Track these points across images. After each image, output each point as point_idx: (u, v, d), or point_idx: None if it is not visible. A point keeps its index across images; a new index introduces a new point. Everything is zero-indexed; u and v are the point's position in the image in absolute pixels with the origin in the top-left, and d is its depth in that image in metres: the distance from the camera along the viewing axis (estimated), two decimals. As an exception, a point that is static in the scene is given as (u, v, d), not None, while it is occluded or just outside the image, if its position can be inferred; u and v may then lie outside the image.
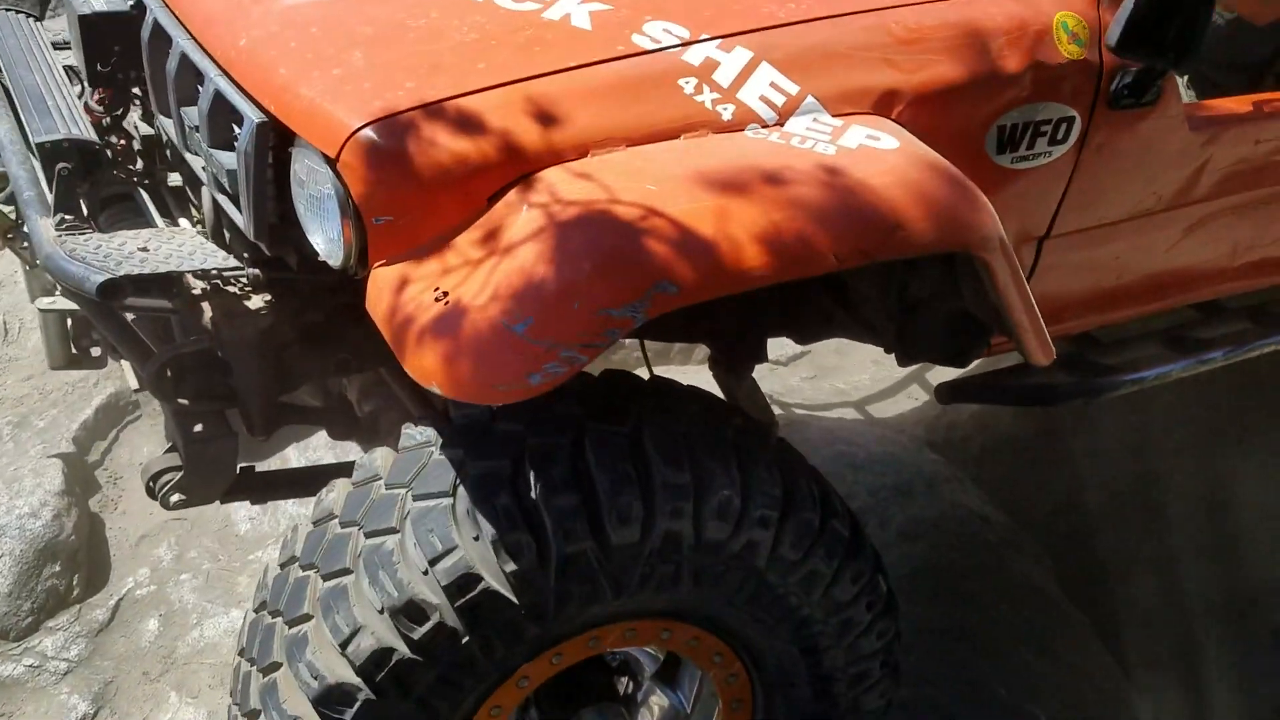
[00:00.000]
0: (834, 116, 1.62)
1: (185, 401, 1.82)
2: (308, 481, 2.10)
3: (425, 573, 1.45)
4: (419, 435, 1.60)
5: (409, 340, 1.36)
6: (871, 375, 4.20)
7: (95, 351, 2.25)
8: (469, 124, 1.45)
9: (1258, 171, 2.21)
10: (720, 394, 2.12)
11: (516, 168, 1.46)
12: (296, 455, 3.34)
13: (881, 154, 1.55)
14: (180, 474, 1.88)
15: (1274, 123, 2.17)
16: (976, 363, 2.12)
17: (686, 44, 1.60)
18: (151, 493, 1.92)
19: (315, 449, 3.37)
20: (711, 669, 1.81)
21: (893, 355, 2.08)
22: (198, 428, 1.83)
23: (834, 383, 4.24)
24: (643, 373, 1.85)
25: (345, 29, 1.64)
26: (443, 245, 1.44)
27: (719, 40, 1.62)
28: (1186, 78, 2.42)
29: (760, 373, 3.75)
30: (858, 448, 3.39)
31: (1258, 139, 2.15)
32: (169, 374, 1.80)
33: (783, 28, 1.66)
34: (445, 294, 1.38)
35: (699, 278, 1.35)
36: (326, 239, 1.51)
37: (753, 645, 1.77)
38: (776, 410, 3.64)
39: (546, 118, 1.48)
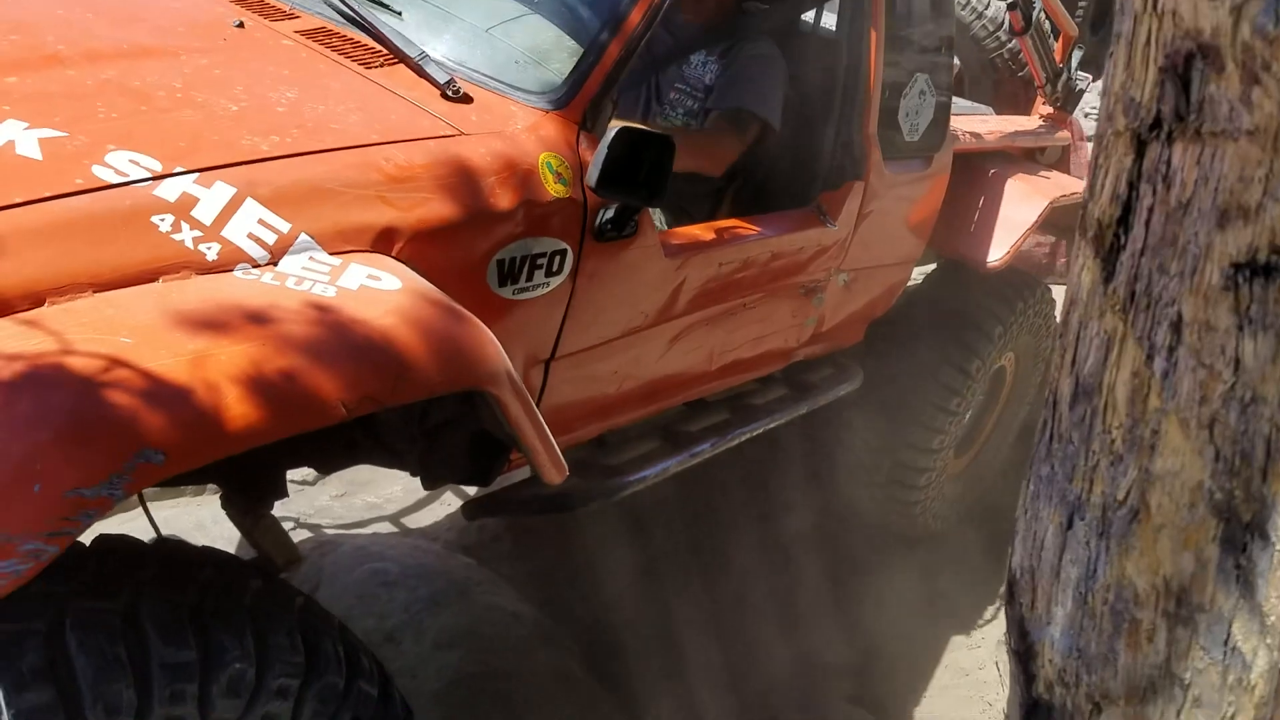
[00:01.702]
0: (331, 254, 1.57)
1: None
2: None
3: None
4: None
5: None
6: (404, 486, 4.14)
7: None
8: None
9: (722, 288, 2.51)
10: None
11: None
12: None
13: (384, 295, 1.52)
14: None
15: (731, 247, 2.49)
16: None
17: (158, 177, 1.47)
18: None
19: None
20: None
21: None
22: None
23: (365, 498, 4.11)
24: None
25: None
26: None
27: (196, 174, 1.50)
28: (658, 211, 2.70)
29: (289, 491, 3.54)
30: (390, 563, 3.31)
31: (720, 261, 2.44)
32: None
33: (266, 162, 1.58)
34: None
35: (189, 442, 1.21)
36: None
37: None
38: (305, 534, 3.43)
39: None
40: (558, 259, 1.95)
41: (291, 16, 2.12)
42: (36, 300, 1.29)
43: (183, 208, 1.45)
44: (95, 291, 1.33)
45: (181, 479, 2.20)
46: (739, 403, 2.96)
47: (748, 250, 2.53)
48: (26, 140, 1.43)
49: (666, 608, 3.69)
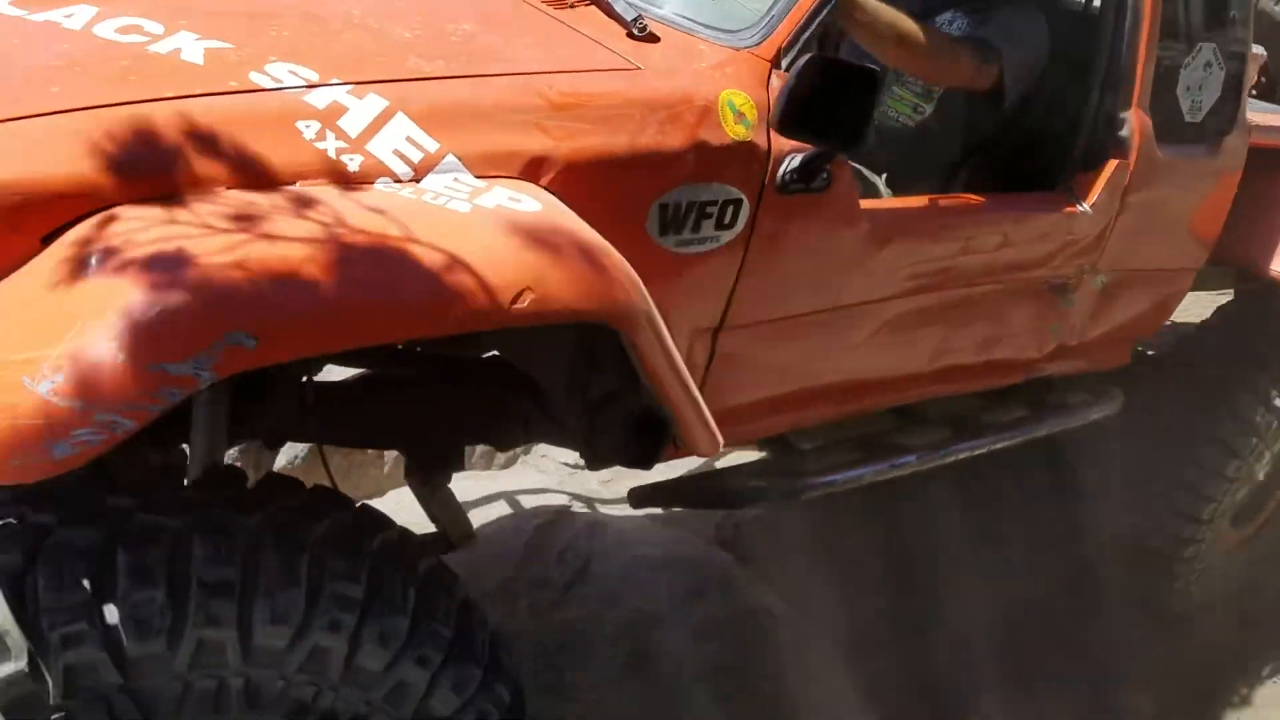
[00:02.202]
0: (477, 177, 1.53)
1: None
2: None
3: None
4: None
5: None
6: (663, 475, 4.14)
7: None
8: (24, 149, 1.26)
9: (942, 273, 2.26)
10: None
11: (83, 203, 1.27)
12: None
13: (519, 214, 1.46)
14: None
15: (953, 222, 2.24)
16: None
17: (312, 86, 1.48)
18: None
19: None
20: None
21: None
22: None
23: (630, 484, 4.17)
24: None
25: None
26: None
27: (350, 86, 1.50)
28: (885, 177, 2.48)
29: (562, 475, 3.63)
30: (655, 548, 3.33)
31: (939, 238, 2.20)
32: None
33: (423, 81, 1.56)
34: None
35: (283, 330, 1.19)
36: None
37: None
38: (580, 509, 3.47)
39: (128, 150, 1.31)
40: (730, 210, 1.81)
41: None
42: (169, 190, 1.32)
43: (330, 116, 1.45)
44: (229, 189, 1.35)
45: (367, 439, 2.27)
46: (964, 421, 2.65)
47: (977, 229, 2.27)
48: (193, 48, 1.48)
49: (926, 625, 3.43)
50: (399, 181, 1.46)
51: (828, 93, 1.70)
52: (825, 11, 1.89)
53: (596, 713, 2.62)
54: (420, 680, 1.48)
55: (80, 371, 1.11)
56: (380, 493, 3.38)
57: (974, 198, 2.34)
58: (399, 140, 1.48)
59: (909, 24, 2.09)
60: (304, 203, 1.35)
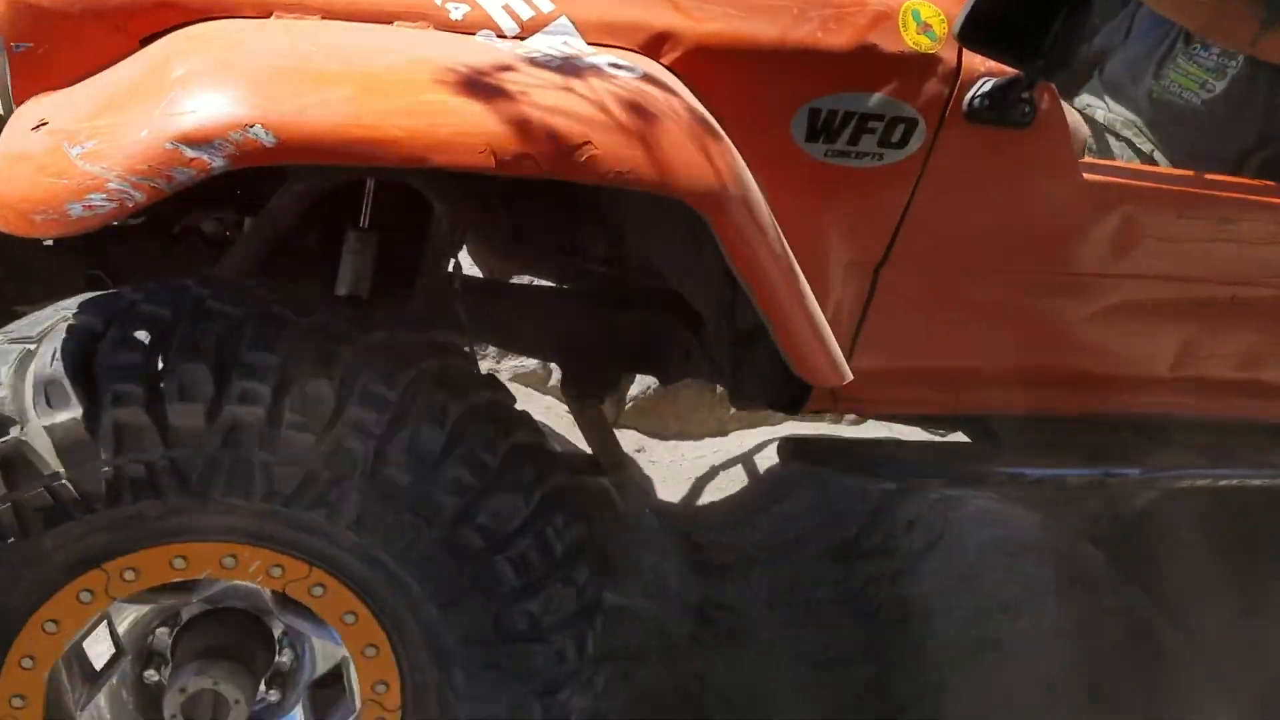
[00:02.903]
0: (589, 44, 1.42)
1: None
2: None
3: None
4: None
5: None
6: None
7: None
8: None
9: (1190, 261, 1.86)
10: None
11: (180, 13, 1.31)
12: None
13: (612, 78, 1.34)
14: None
15: (1212, 199, 1.84)
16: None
17: None
18: None
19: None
20: (343, 632, 1.46)
21: None
22: None
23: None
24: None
25: None
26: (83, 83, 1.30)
27: None
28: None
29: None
30: (1014, 532, 3.08)
31: (1189, 215, 1.81)
32: None
33: None
34: (44, 123, 1.22)
35: (306, 134, 1.15)
36: None
37: (387, 601, 1.42)
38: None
39: None
40: (900, 129, 1.57)
41: None
42: (264, 10, 1.32)
43: None
44: (323, 18, 1.34)
45: (527, 344, 2.22)
46: (1227, 450, 2.18)
47: (1246, 215, 1.85)
48: None
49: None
50: (502, 37, 1.39)
51: (1033, 9, 1.45)
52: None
53: (937, 694, 2.42)
54: (451, 503, 1.35)
55: (108, 140, 1.14)
56: (723, 432, 3.38)
57: (1259, 183, 1.91)
58: None
59: None
60: (378, 34, 1.31)
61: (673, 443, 3.37)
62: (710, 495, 3.05)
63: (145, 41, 1.31)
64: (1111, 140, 2.18)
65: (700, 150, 1.31)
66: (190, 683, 1.45)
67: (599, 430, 2.12)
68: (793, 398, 1.78)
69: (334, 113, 1.16)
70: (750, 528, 2.94)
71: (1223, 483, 2.12)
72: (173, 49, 1.26)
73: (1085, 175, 1.71)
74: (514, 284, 2.20)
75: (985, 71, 1.58)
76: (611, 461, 2.15)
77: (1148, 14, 2.25)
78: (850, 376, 1.55)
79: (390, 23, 1.36)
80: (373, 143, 1.17)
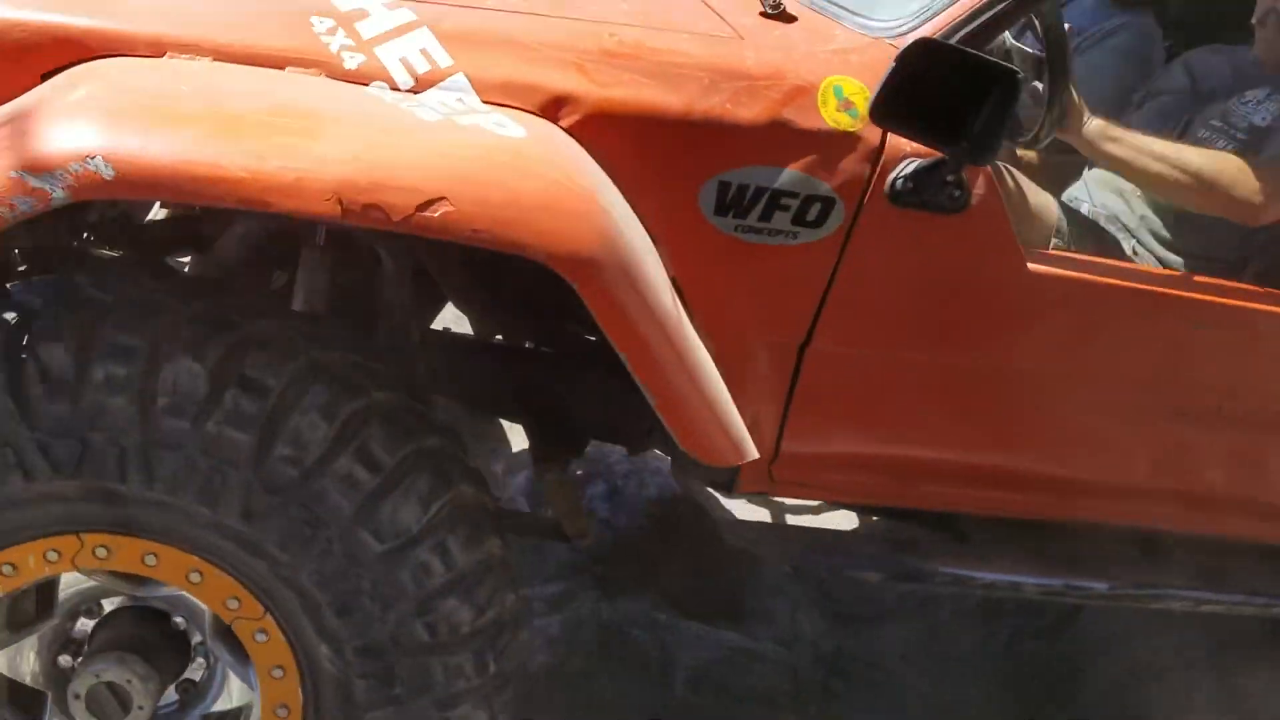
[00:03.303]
0: (484, 102, 1.41)
1: None
2: None
3: None
4: None
5: None
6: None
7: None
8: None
9: (1169, 366, 1.75)
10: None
11: (78, 49, 1.34)
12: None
13: (489, 136, 1.32)
14: None
15: (1192, 308, 1.72)
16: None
17: None
18: None
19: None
20: (231, 619, 1.44)
21: None
22: None
23: None
24: None
25: None
26: None
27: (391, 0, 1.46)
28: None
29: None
30: None
31: (1157, 317, 1.70)
32: None
33: (473, 10, 1.49)
34: None
35: (145, 168, 1.15)
36: None
37: (266, 584, 1.40)
38: None
39: (127, 10, 1.38)
40: (816, 208, 1.51)
41: None
42: (158, 50, 1.35)
43: (349, 19, 1.42)
44: (215, 60, 1.36)
45: (496, 406, 2.15)
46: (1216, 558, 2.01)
47: (1227, 320, 1.73)
48: None
49: None
50: (396, 89, 1.40)
51: (956, 91, 1.39)
52: (995, 11, 1.54)
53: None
54: (342, 502, 1.34)
55: None
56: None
57: (1246, 288, 1.79)
58: (411, 50, 1.41)
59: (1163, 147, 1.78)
60: (261, 79, 1.33)
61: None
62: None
63: (45, 77, 1.35)
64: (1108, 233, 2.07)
65: (573, 215, 1.27)
66: (106, 671, 1.44)
67: (565, 495, 2.07)
68: (728, 476, 1.71)
69: (177, 150, 1.17)
70: (886, 577, 2.92)
71: (1205, 608, 1.94)
72: (57, 84, 1.29)
73: (1031, 265, 1.61)
74: (479, 340, 2.19)
75: (911, 152, 1.52)
76: (574, 530, 2.10)
77: (1151, 110, 2.16)
78: (754, 454, 1.47)
79: (283, 68, 1.37)
80: (212, 181, 1.17)
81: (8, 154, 1.17)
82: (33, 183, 1.14)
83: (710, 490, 1.94)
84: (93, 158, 1.14)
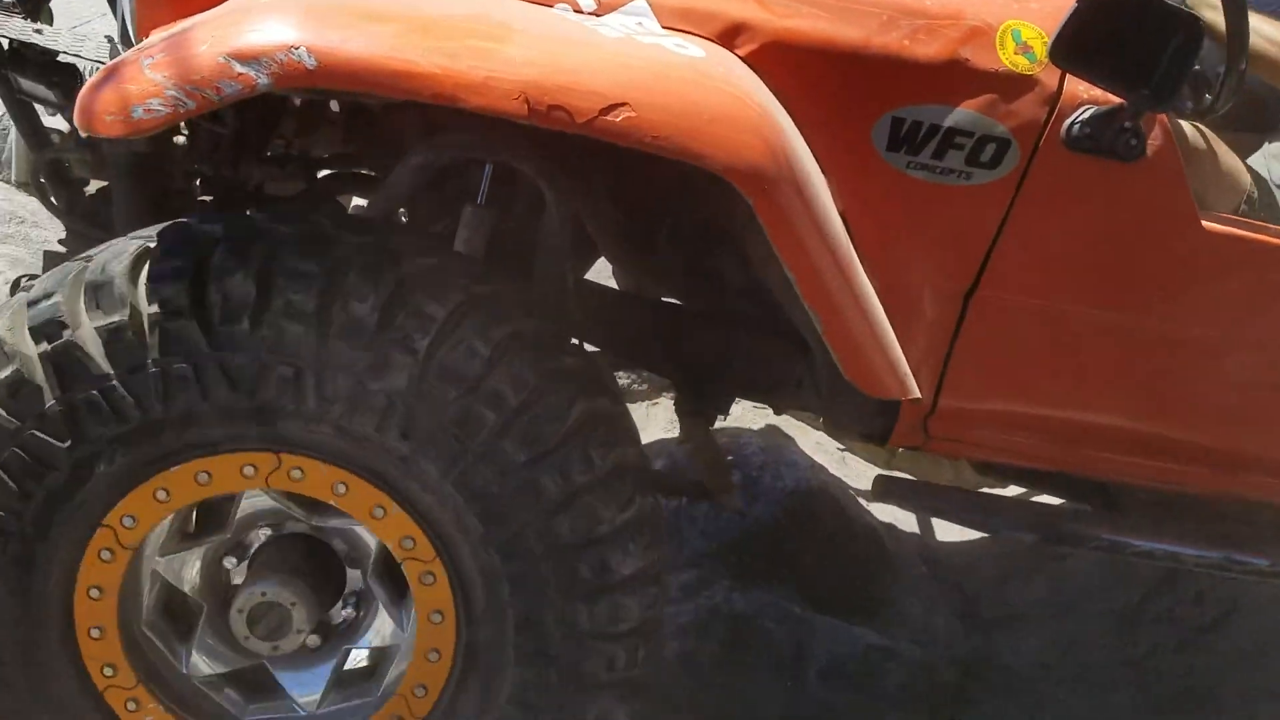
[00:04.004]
0: (663, 27, 1.43)
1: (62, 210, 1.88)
2: None
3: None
4: None
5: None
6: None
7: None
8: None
9: None
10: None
11: None
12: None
13: (668, 53, 1.34)
14: None
15: None
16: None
17: None
18: None
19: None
20: (403, 558, 1.45)
21: None
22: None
23: None
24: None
25: None
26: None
27: None
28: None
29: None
30: None
31: None
32: (51, 176, 1.86)
33: None
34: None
35: (345, 60, 1.20)
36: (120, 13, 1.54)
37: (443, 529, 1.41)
38: None
39: None
40: (991, 148, 1.49)
41: None
42: None
43: None
44: None
45: (648, 360, 2.15)
46: None
47: None
48: None
49: None
50: (578, 12, 1.43)
51: (1139, 35, 1.36)
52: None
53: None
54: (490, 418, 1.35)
55: (172, 52, 1.24)
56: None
57: None
58: None
59: None
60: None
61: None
62: (985, 545, 2.94)
63: None
64: None
65: (750, 130, 1.28)
66: (272, 591, 1.47)
67: (709, 452, 2.06)
68: (883, 427, 1.68)
69: (375, 45, 1.21)
70: (1024, 582, 2.83)
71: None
72: None
73: (1205, 223, 1.56)
74: (632, 295, 2.19)
75: (1088, 99, 1.50)
76: (718, 486, 2.08)
77: None
78: (917, 393, 1.45)
79: None
80: (408, 75, 1.20)
81: (215, 41, 1.22)
82: (239, 68, 1.20)
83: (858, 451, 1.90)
84: (296, 48, 1.20)
